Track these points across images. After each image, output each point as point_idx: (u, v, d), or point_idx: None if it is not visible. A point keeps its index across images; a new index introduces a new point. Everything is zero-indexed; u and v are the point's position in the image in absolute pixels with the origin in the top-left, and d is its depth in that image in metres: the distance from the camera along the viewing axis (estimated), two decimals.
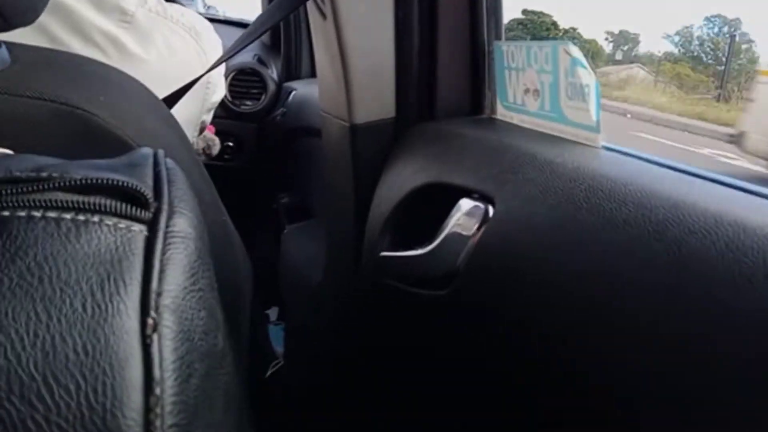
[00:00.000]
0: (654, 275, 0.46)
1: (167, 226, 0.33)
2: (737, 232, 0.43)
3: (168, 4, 0.96)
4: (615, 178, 0.55)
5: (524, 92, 0.76)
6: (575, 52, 0.66)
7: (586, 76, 0.65)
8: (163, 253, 0.31)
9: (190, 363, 0.30)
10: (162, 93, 0.83)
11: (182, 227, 0.34)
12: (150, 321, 0.28)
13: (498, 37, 0.85)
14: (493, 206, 0.64)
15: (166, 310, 0.29)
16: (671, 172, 0.57)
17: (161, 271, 0.30)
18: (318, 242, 1.11)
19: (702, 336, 0.42)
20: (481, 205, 0.65)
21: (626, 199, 0.51)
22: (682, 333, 0.43)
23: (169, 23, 0.95)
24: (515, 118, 0.80)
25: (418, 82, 0.86)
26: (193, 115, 1.13)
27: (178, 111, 0.85)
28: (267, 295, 1.52)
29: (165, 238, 0.32)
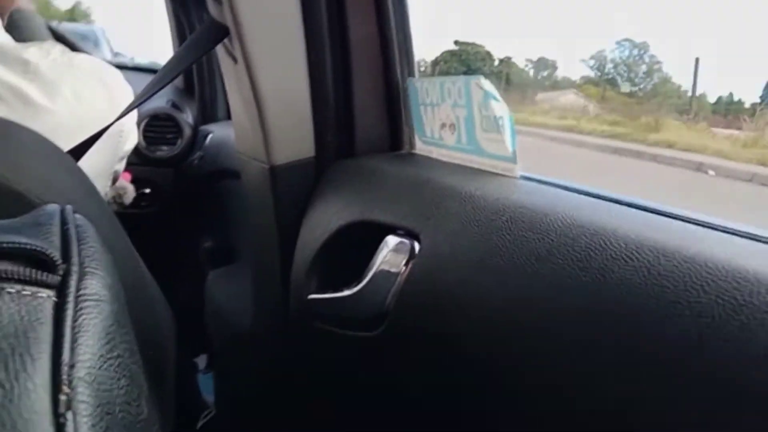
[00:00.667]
0: (580, 304, 0.46)
1: (78, 290, 0.30)
2: (657, 257, 0.44)
3: (74, 54, 0.93)
4: (535, 208, 0.55)
5: (440, 127, 0.77)
6: (487, 85, 0.67)
7: (500, 109, 0.66)
8: (75, 319, 0.29)
9: None
10: (72, 143, 0.79)
11: (95, 289, 0.31)
12: (63, 397, 0.25)
13: (411, 74, 0.86)
14: (419, 242, 0.63)
15: (80, 383, 0.27)
16: (589, 198, 0.57)
17: (73, 341, 0.28)
18: (244, 286, 1.07)
19: (630, 364, 0.42)
20: (407, 242, 0.64)
21: (548, 229, 0.51)
22: (611, 361, 0.43)
23: (76, 72, 0.91)
24: (434, 152, 0.80)
25: (336, 120, 0.85)
26: (105, 165, 1.09)
27: (90, 162, 0.82)
28: (194, 343, 1.46)
29: (76, 303, 0.29)
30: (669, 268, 0.42)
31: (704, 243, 0.44)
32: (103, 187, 1.08)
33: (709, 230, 0.48)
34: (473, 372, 0.55)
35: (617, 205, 0.55)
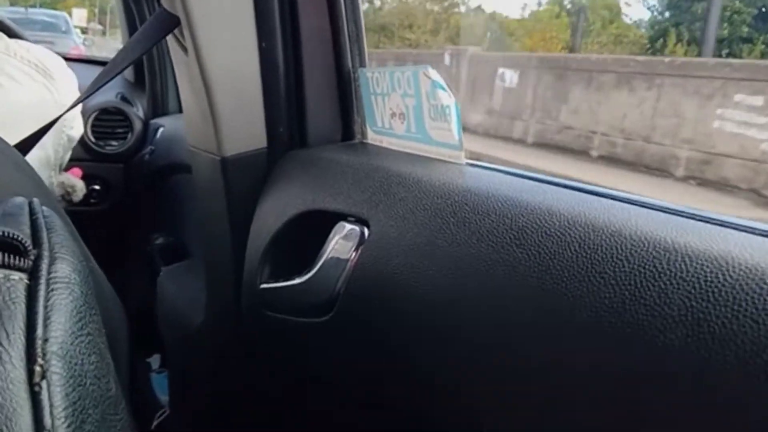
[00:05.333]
0: (519, 280, 0.50)
1: (49, 273, 0.33)
2: (587, 233, 0.48)
3: (12, 41, 0.94)
4: (479, 191, 0.59)
5: (391, 116, 0.80)
6: (434, 75, 0.71)
7: (446, 98, 0.70)
8: (47, 299, 0.31)
9: (83, 408, 0.30)
10: (11, 129, 0.80)
11: (65, 272, 0.34)
12: (37, 368, 0.28)
13: (362, 64, 0.89)
14: (368, 228, 0.66)
15: (54, 357, 0.29)
16: (528, 181, 0.62)
17: (46, 318, 0.30)
18: (196, 282, 1.09)
19: (562, 330, 0.46)
20: (357, 228, 0.68)
21: (489, 211, 0.55)
22: (546, 330, 0.47)
23: (12, 60, 0.92)
24: (385, 141, 0.83)
25: (288, 111, 0.87)
26: (49, 155, 1.09)
27: (32, 153, 0.83)
28: (147, 342, 1.47)
29: (48, 285, 0.32)
30: (597, 242, 0.47)
31: (629, 218, 0.48)
32: (48, 177, 1.09)
33: (633, 206, 0.52)
34: (420, 352, 0.59)
35: (553, 186, 0.59)
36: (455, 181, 0.63)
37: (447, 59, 10.79)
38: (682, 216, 0.49)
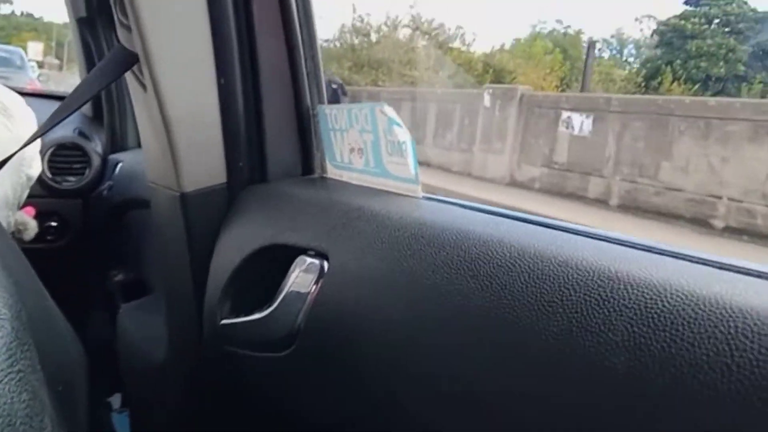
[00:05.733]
0: (472, 309, 0.52)
1: None
2: (536, 263, 0.50)
3: None
4: (434, 224, 0.61)
5: (350, 151, 0.83)
6: (390, 112, 0.74)
7: (402, 134, 0.73)
8: None
9: None
10: None
11: None
12: None
13: (321, 101, 0.91)
14: (328, 261, 0.68)
15: None
16: (481, 214, 0.64)
17: None
18: (157, 318, 1.09)
19: (515, 358, 0.48)
20: (317, 262, 0.69)
21: (444, 243, 0.58)
22: (500, 357, 0.49)
23: None
24: (344, 176, 0.85)
25: (247, 146, 0.89)
26: (8, 195, 1.09)
27: None
28: (108, 381, 1.46)
29: None
30: (546, 272, 0.49)
31: (575, 248, 0.51)
32: (5, 217, 1.08)
33: (580, 237, 0.55)
34: (381, 380, 0.60)
35: (505, 219, 0.62)
36: (412, 214, 0.65)
37: (487, 100, 9.78)
38: (626, 246, 0.52)
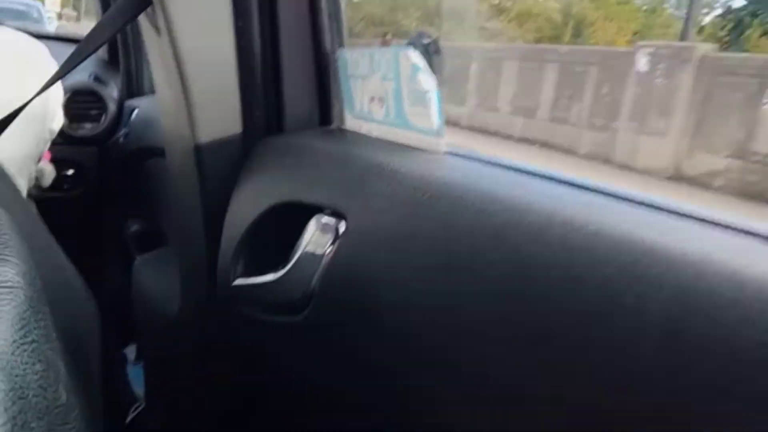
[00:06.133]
0: (495, 279, 0.49)
1: None
2: (566, 232, 0.47)
3: None
4: (456, 184, 0.58)
5: (370, 100, 0.79)
6: (415, 57, 0.69)
7: (427, 82, 0.69)
8: None
9: (24, 422, 0.29)
10: None
11: (8, 276, 0.33)
12: None
13: (341, 44, 0.87)
14: (345, 221, 0.66)
15: None
16: (509, 172, 0.61)
17: None
18: (172, 271, 1.08)
19: (539, 335, 0.46)
20: (333, 222, 0.67)
21: (467, 205, 0.54)
22: (522, 333, 0.47)
23: None
24: (363, 128, 0.82)
25: (264, 95, 0.86)
26: (31, 149, 1.09)
27: (13, 146, 0.82)
28: (123, 332, 1.46)
29: None
30: (576, 243, 0.46)
31: (610, 215, 0.48)
32: (28, 171, 1.08)
33: (614, 200, 0.51)
34: (396, 349, 0.58)
35: (533, 178, 0.58)
36: (433, 173, 0.62)
37: (643, 63, 7.38)
38: (666, 213, 0.48)
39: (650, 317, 0.39)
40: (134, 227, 1.44)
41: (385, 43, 0.82)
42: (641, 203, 0.51)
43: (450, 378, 0.53)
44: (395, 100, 0.74)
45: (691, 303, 0.38)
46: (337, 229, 0.66)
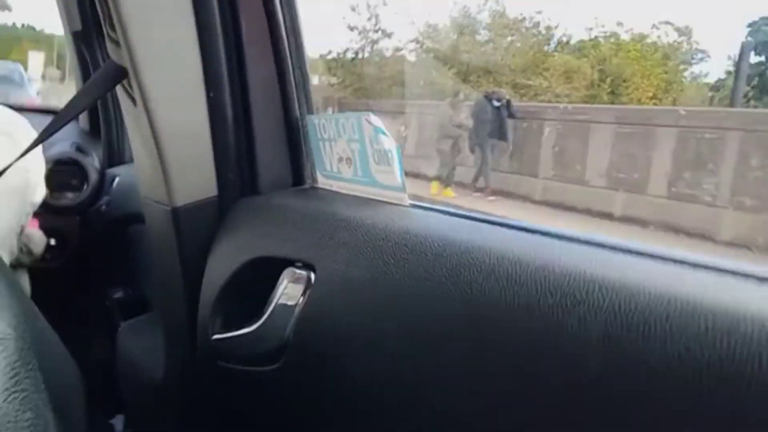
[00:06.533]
0: (453, 316, 0.54)
1: None
2: (514, 268, 0.52)
3: None
4: (418, 232, 0.63)
5: (338, 160, 0.84)
6: (375, 121, 0.75)
7: (388, 143, 0.75)
8: None
9: None
10: None
11: (0, 328, 0.36)
12: None
13: (310, 111, 0.93)
14: (315, 273, 0.70)
15: None
16: (465, 220, 0.66)
17: None
18: (156, 336, 1.10)
19: (488, 362, 0.50)
20: (304, 273, 0.71)
21: (426, 251, 0.59)
22: (477, 362, 0.51)
23: None
24: (334, 185, 0.87)
25: (237, 158, 0.91)
26: (12, 223, 1.12)
27: None
28: (110, 402, 1.47)
29: None
30: (523, 277, 0.51)
31: (553, 252, 0.53)
32: (10, 244, 1.10)
33: (559, 240, 0.57)
34: (368, 393, 0.62)
35: (486, 225, 0.63)
36: (397, 223, 0.67)
37: None
38: (602, 248, 0.54)
39: (592, 336, 0.45)
40: (118, 294, 1.47)
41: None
42: (583, 241, 0.56)
43: (424, 412, 0.57)
44: (362, 160, 0.79)
45: (627, 322, 0.44)
46: (308, 280, 0.70)
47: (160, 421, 1.10)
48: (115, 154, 1.75)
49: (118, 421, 1.57)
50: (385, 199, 0.77)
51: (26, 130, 1.12)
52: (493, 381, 0.51)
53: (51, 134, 0.92)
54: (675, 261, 0.49)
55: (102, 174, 1.70)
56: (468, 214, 0.68)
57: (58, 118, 0.93)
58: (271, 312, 0.73)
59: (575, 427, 0.45)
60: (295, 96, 0.92)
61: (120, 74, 0.88)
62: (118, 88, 0.93)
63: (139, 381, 1.15)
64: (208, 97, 0.88)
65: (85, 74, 1.82)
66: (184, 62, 0.86)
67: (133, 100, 0.88)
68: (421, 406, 0.57)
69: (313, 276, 0.70)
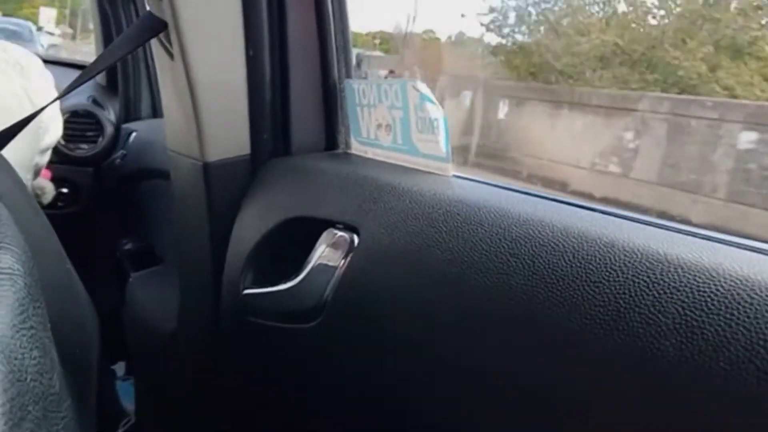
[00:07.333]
0: (512, 288, 0.51)
1: None
2: (581, 244, 0.49)
3: None
4: (469, 202, 0.60)
5: (377, 127, 0.81)
6: (423, 88, 0.72)
7: (435, 111, 0.71)
8: None
9: (22, 405, 0.29)
10: None
11: (8, 263, 0.33)
12: None
13: (348, 75, 0.90)
14: (358, 236, 0.67)
15: None
16: (517, 194, 0.63)
17: None
18: (168, 288, 1.08)
19: (557, 340, 0.47)
20: (346, 235, 0.68)
21: (481, 221, 0.56)
22: (539, 338, 0.48)
23: None
24: (369, 152, 0.84)
25: (272, 118, 0.87)
26: (24, 157, 1.08)
27: (7, 154, 0.81)
28: (112, 349, 1.44)
29: None
30: (591, 253, 0.48)
31: (620, 231, 0.50)
32: (25, 180, 1.07)
33: (623, 220, 0.54)
34: (408, 358, 0.59)
35: (542, 200, 0.60)
36: (445, 192, 0.64)
37: None
38: (671, 230, 0.51)
39: (667, 319, 0.41)
40: (128, 246, 1.43)
41: None
42: (649, 223, 0.53)
43: (462, 387, 0.54)
44: (403, 128, 0.76)
45: (706, 306, 0.40)
46: (350, 243, 0.67)
47: (165, 372, 1.08)
48: (132, 110, 1.72)
49: (119, 367, 1.55)
50: (426, 169, 0.73)
51: (40, 68, 1.08)
52: (554, 360, 0.47)
53: (81, 83, 0.88)
54: (754, 249, 0.46)
55: (117, 128, 1.66)
56: (518, 188, 0.65)
57: (87, 71, 0.89)
58: (310, 271, 0.70)
59: (642, 414, 0.42)
60: (335, 60, 0.89)
61: (159, 27, 0.85)
62: (154, 42, 0.89)
63: (148, 331, 1.13)
64: (248, 55, 0.84)
65: (106, 31, 1.78)
66: (225, 19, 0.82)
67: (170, 54, 0.84)
68: (463, 379, 0.54)
69: (356, 239, 0.67)
